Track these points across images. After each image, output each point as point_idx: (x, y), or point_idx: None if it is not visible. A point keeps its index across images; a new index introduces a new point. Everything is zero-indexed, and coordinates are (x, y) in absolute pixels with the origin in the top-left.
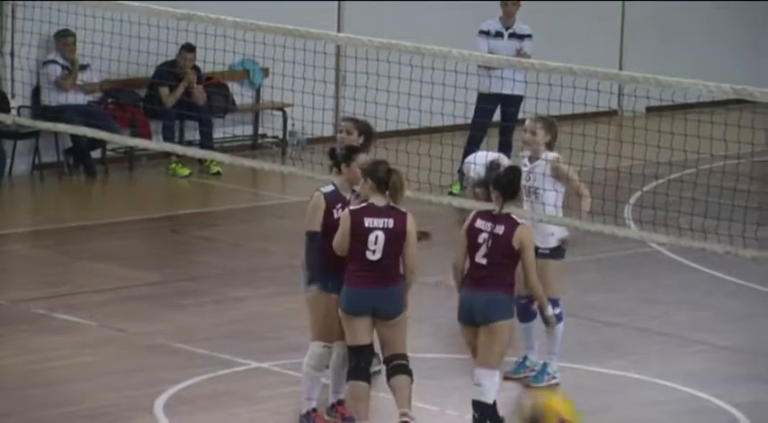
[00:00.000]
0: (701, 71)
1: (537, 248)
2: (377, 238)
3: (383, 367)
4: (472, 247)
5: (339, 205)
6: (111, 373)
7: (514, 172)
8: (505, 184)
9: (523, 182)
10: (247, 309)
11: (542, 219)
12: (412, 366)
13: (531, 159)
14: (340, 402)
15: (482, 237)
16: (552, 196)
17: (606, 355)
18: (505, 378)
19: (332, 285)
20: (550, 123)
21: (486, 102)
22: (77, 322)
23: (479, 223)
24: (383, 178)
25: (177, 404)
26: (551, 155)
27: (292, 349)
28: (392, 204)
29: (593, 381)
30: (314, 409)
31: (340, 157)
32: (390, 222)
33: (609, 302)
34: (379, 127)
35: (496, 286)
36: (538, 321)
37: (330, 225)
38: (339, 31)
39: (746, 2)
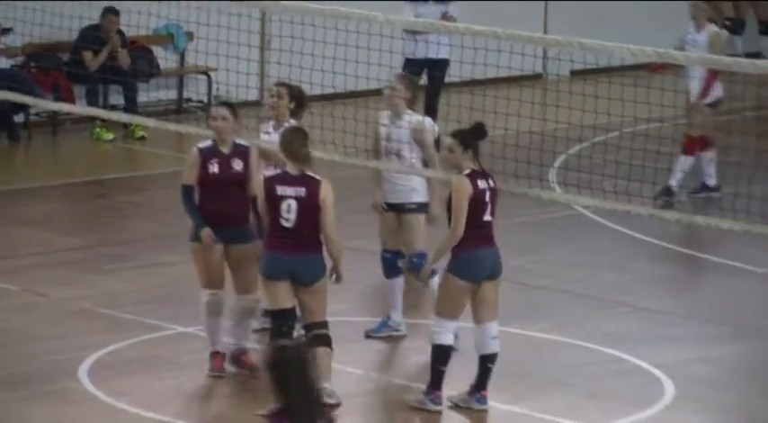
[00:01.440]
0: (626, 34)
1: (404, 204)
2: (289, 206)
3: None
4: (481, 207)
5: (215, 160)
6: (35, 339)
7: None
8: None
9: (385, 142)
10: (174, 274)
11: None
12: (336, 330)
13: (393, 117)
14: (243, 352)
15: (487, 195)
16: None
17: (530, 318)
18: (367, 336)
19: (239, 236)
20: (410, 80)
21: (413, 66)
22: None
23: (481, 183)
24: (295, 149)
25: (102, 369)
26: (416, 118)
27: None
28: (308, 172)
29: (518, 343)
30: (216, 352)
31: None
32: (303, 191)
33: (533, 265)
34: (305, 91)
35: (495, 241)
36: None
37: (204, 179)
38: None
39: None
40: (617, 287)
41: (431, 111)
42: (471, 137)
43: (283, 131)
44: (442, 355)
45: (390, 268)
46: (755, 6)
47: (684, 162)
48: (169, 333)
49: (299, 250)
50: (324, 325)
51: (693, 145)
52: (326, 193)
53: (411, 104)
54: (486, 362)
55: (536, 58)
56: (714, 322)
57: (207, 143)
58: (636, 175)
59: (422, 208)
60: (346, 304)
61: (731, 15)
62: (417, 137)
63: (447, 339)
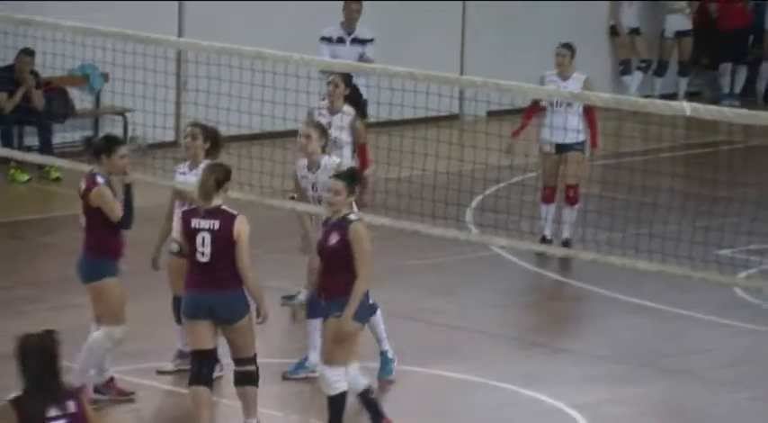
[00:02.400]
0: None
1: None
2: (204, 239)
3: (224, 374)
4: None
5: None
6: None
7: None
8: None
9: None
10: (87, 315)
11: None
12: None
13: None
14: (112, 379)
15: None
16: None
17: (448, 359)
18: (284, 378)
19: (106, 270)
20: (321, 126)
21: None
22: None
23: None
24: (210, 184)
25: None
26: (331, 161)
27: (129, 355)
28: (224, 207)
29: (435, 384)
30: (111, 378)
31: (101, 148)
32: (216, 224)
33: (450, 306)
34: (222, 131)
35: None
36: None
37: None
38: (180, 35)
39: (584, 8)
40: (534, 328)
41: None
42: (356, 181)
43: (206, 166)
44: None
45: (311, 308)
46: (682, 47)
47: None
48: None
49: (216, 287)
50: (250, 361)
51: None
52: (241, 227)
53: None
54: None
55: (453, 98)
56: (629, 362)
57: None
58: (552, 215)
59: None
60: (263, 345)
61: (647, 57)
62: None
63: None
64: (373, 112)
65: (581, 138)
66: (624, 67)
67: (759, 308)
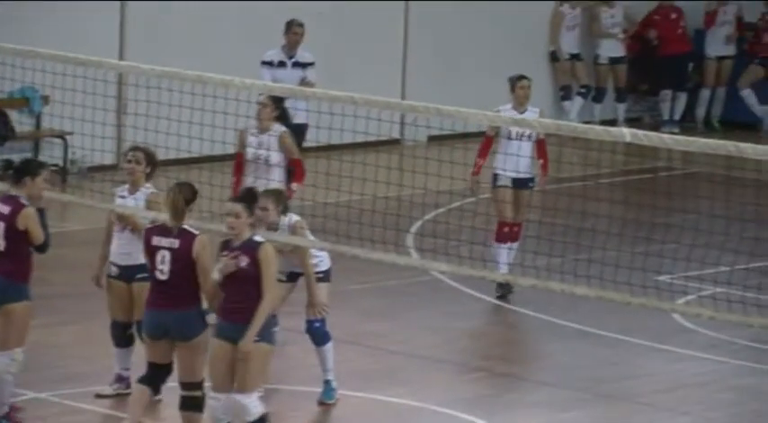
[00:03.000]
0: (482, 100)
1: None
2: (163, 257)
3: (162, 398)
4: None
5: None
6: None
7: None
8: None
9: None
10: (27, 338)
11: (315, 246)
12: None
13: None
14: (13, 408)
15: None
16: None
17: (387, 383)
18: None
19: (26, 293)
20: (150, 154)
21: None
22: None
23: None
24: (176, 203)
25: None
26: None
27: (67, 378)
28: (186, 226)
29: (375, 409)
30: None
31: (26, 170)
32: (177, 243)
33: (390, 330)
34: (162, 155)
35: None
36: None
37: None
38: (121, 58)
39: (524, 34)
40: (473, 352)
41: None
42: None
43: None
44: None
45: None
46: (616, 73)
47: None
48: (20, 399)
49: (173, 305)
50: (197, 386)
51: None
52: (200, 247)
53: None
54: None
55: (393, 123)
56: (568, 387)
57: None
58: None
59: (326, 276)
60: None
61: (587, 83)
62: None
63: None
64: (313, 137)
65: (533, 173)
66: (564, 93)
67: (697, 333)
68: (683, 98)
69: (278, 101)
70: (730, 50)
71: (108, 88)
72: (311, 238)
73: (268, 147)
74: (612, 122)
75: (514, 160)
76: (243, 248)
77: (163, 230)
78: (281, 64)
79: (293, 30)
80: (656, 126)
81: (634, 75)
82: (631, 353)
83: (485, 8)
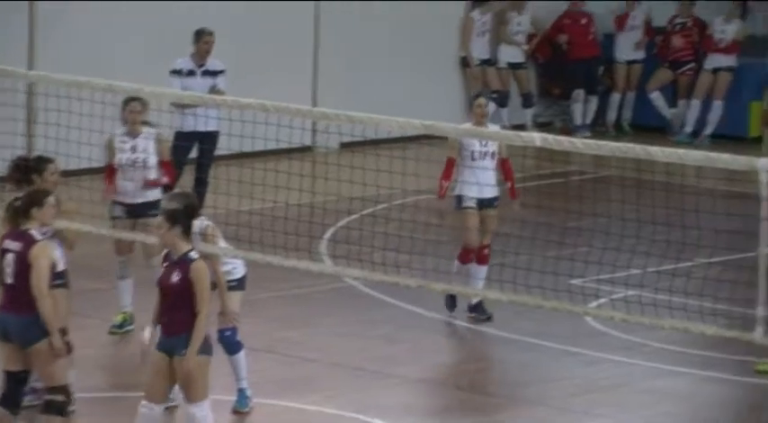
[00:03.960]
0: (394, 107)
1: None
2: (9, 260)
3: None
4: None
5: None
6: None
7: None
8: None
9: None
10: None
11: (229, 254)
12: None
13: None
14: None
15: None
16: None
17: (303, 391)
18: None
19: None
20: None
21: (183, 140)
22: None
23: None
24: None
25: None
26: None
27: None
28: (32, 231)
29: (290, 417)
30: None
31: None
32: (20, 246)
33: (305, 337)
34: (72, 165)
35: None
36: None
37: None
38: (30, 68)
39: (435, 40)
40: (389, 359)
41: (201, 184)
42: (183, 215)
43: (26, 192)
44: None
45: (232, 345)
46: (517, 79)
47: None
48: None
49: (11, 309)
50: (56, 390)
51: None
52: (39, 251)
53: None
54: None
55: (305, 130)
56: (484, 392)
57: None
58: (405, 246)
59: (241, 284)
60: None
61: (499, 87)
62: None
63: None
64: (224, 145)
65: (497, 192)
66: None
67: (610, 336)
68: (593, 102)
69: (146, 103)
70: (639, 55)
71: (17, 98)
72: (224, 244)
73: (145, 149)
74: (522, 127)
75: (478, 182)
76: (178, 263)
77: (13, 234)
78: (191, 73)
79: (203, 39)
80: (567, 130)
81: (546, 79)
82: (545, 356)
83: (395, 15)
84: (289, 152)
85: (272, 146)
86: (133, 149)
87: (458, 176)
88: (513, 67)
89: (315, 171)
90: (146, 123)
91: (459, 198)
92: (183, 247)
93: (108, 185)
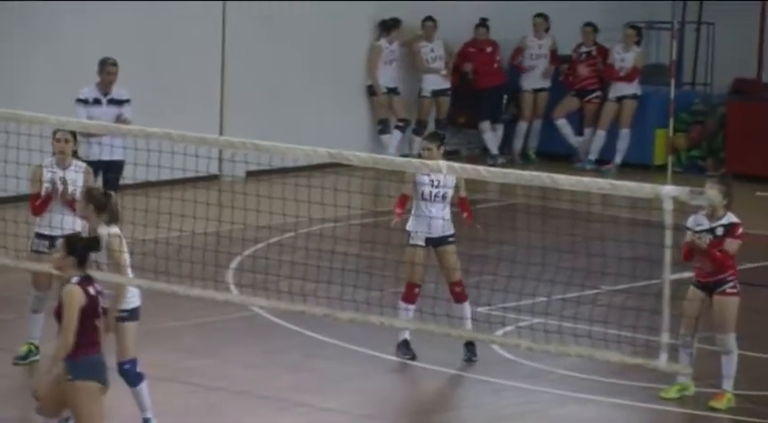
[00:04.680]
0: (301, 135)
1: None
2: None
3: None
4: (95, 313)
5: None
6: None
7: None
8: None
9: None
10: None
11: (133, 283)
12: None
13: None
14: None
15: (98, 301)
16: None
17: (208, 420)
18: None
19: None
20: None
21: None
22: None
23: (91, 290)
24: None
25: None
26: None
27: None
28: None
29: None
30: None
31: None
32: None
33: (210, 367)
34: None
35: None
36: None
37: None
38: None
39: (342, 68)
40: (295, 387)
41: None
42: (81, 246)
43: None
44: None
45: (132, 377)
46: (439, 106)
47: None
48: None
49: None
50: None
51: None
52: None
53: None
54: None
55: (211, 159)
56: (392, 420)
57: None
58: (311, 275)
59: (133, 315)
60: None
61: (404, 116)
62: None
63: None
64: (130, 174)
65: (452, 230)
66: (382, 127)
67: (517, 364)
68: (500, 130)
69: (75, 135)
70: (546, 83)
71: None
72: (128, 268)
73: (74, 182)
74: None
75: (427, 221)
76: (61, 288)
77: None
78: (97, 101)
79: (107, 69)
80: (474, 158)
81: (452, 107)
82: (452, 384)
83: (302, 42)
84: (195, 181)
85: (178, 175)
86: (62, 181)
87: (413, 209)
88: (437, 94)
89: (221, 200)
90: (76, 155)
91: (408, 233)
92: (73, 273)
93: (36, 205)
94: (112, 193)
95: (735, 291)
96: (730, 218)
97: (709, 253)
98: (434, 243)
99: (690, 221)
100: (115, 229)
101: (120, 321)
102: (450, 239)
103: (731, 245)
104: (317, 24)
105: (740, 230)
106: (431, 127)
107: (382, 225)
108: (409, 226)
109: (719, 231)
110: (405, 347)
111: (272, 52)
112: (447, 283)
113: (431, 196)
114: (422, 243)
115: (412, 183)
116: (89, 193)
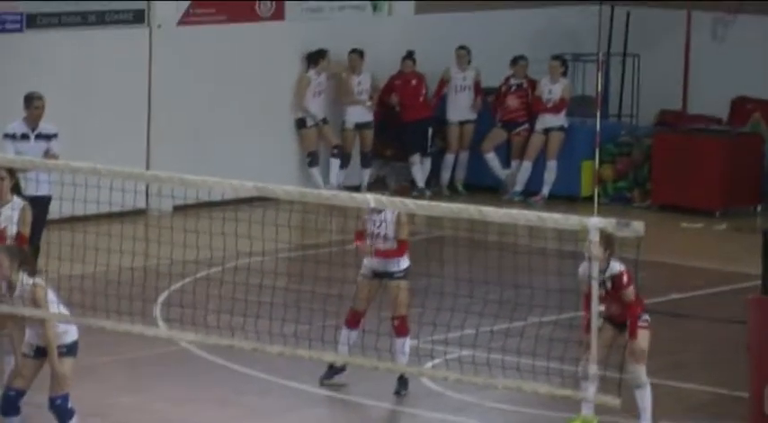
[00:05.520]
0: (229, 169)
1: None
2: None
3: None
4: None
5: None
6: None
7: None
8: None
9: None
10: None
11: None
12: None
13: None
14: None
15: None
16: None
17: None
18: None
19: None
20: None
21: None
22: None
23: None
24: None
25: None
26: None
27: None
28: None
29: None
30: None
31: None
32: None
33: (138, 403)
34: None
35: None
36: None
37: None
38: None
39: (268, 104)
40: (222, 422)
41: (33, 249)
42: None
43: None
44: None
45: (10, 407)
46: (363, 138)
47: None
48: None
49: None
50: None
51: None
52: None
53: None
54: None
55: (138, 193)
56: None
57: None
58: (239, 309)
59: (71, 350)
60: None
61: (339, 143)
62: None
63: None
64: (56, 209)
65: (402, 265)
66: (311, 159)
67: (445, 396)
68: (427, 163)
69: (13, 172)
70: (471, 115)
71: None
72: (55, 307)
73: (10, 220)
74: (357, 188)
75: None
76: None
77: None
78: (24, 136)
79: (34, 104)
80: (402, 191)
81: (379, 140)
82: (380, 418)
83: (228, 75)
84: (122, 215)
85: (105, 209)
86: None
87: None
88: (360, 126)
89: (148, 234)
90: (18, 191)
91: (363, 266)
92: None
93: None
94: (26, 247)
95: (645, 325)
96: (613, 269)
97: (613, 313)
98: (381, 277)
99: (580, 271)
100: (38, 280)
101: (59, 356)
102: (398, 275)
103: (627, 296)
104: (244, 57)
105: (625, 278)
106: (355, 159)
107: (309, 259)
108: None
109: (608, 285)
110: (331, 371)
111: (199, 85)
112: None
113: (373, 236)
114: (367, 273)
115: (363, 220)
116: (5, 250)
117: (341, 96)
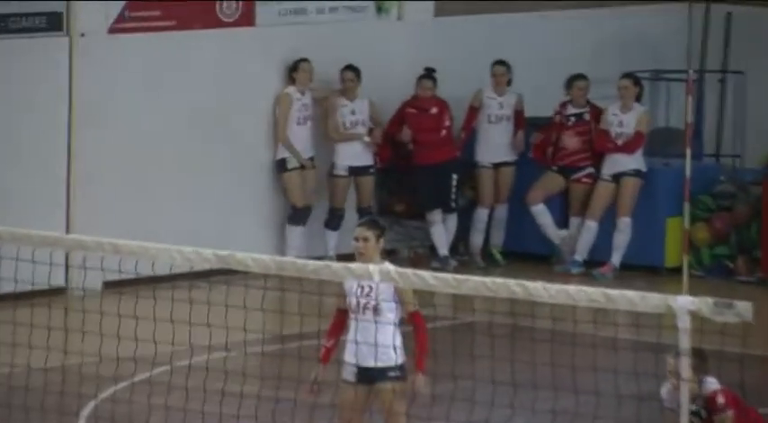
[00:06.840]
0: (179, 233)
1: None
2: None
3: None
4: None
5: None
6: None
7: None
8: None
9: None
10: None
11: None
12: None
13: None
14: None
15: None
16: None
17: None
18: None
19: None
20: None
21: None
22: None
23: None
24: None
25: None
26: None
27: None
28: None
29: None
30: None
31: None
32: None
33: None
34: None
35: None
36: None
37: None
38: None
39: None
40: None
41: None
42: None
43: None
44: None
45: None
46: (360, 188)
47: None
48: None
49: None
50: None
51: None
52: None
53: None
54: None
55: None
56: None
57: None
58: None
59: None
60: None
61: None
62: None
63: None
64: None
65: (399, 360)
66: (295, 215)
67: None
68: (451, 222)
69: None
70: (511, 155)
71: None
72: None
73: None
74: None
75: (355, 348)
76: None
77: None
78: None
79: None
80: (417, 261)
81: (385, 191)
82: None
83: (178, 100)
84: (31, 296)
85: (8, 288)
86: None
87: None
88: (356, 172)
89: (68, 322)
90: None
91: (341, 364)
92: None
93: None
94: None
95: None
96: (706, 388)
97: None
98: (367, 379)
99: (663, 393)
100: None
101: None
102: (391, 374)
103: (725, 421)
104: (198, 75)
105: (721, 399)
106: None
107: (290, 354)
108: (344, 353)
109: (703, 414)
110: None
111: (136, 113)
112: None
113: (358, 308)
114: (351, 378)
115: (343, 295)
116: None
117: (329, 130)
